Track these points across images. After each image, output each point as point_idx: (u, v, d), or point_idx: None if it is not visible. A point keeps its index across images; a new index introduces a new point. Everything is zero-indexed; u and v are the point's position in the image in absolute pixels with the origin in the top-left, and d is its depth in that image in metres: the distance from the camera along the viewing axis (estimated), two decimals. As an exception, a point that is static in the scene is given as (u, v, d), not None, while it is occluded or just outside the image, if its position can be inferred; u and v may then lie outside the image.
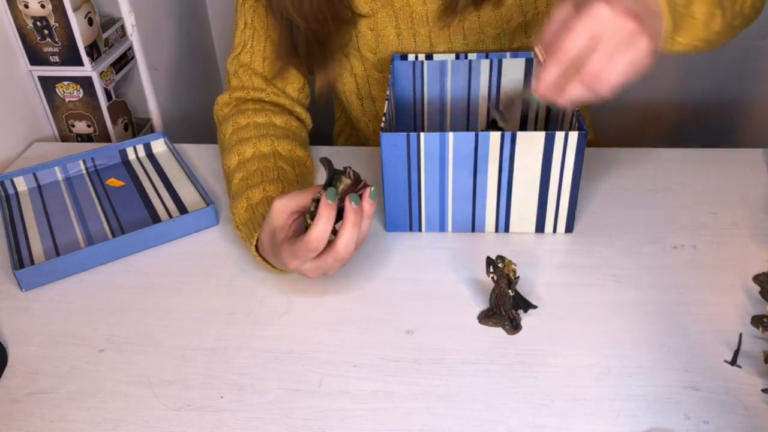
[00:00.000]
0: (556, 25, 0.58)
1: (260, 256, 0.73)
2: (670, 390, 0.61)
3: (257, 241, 0.73)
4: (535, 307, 0.69)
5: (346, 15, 0.88)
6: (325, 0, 0.83)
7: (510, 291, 0.66)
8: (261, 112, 0.89)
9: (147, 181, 0.93)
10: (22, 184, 0.93)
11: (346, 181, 0.63)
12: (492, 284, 0.67)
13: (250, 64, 0.92)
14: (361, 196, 0.64)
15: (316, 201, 0.64)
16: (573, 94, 0.57)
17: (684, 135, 1.62)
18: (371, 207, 0.64)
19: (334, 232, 0.64)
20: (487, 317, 0.69)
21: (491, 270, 0.66)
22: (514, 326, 0.68)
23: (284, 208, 0.66)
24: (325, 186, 0.64)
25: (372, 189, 0.64)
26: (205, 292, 0.75)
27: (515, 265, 0.66)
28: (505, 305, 0.67)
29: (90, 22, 1.05)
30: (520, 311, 0.69)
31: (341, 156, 0.94)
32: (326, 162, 0.64)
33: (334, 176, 0.64)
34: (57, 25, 1.01)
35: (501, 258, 0.66)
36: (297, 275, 0.76)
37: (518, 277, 0.67)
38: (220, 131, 0.91)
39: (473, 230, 0.80)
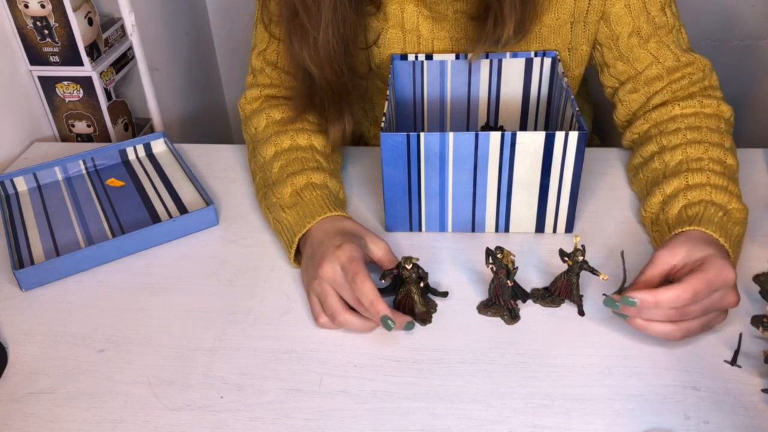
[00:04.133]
0: (661, 267, 0.64)
1: (297, 246, 0.75)
2: (670, 390, 0.61)
3: (307, 231, 0.74)
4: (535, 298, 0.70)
5: (363, 69, 0.88)
6: (342, 50, 0.82)
7: (508, 281, 0.66)
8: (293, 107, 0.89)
9: (147, 181, 0.93)
10: (22, 184, 0.93)
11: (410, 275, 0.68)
12: (491, 276, 0.68)
13: (277, 63, 0.91)
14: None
15: (394, 275, 0.69)
16: (657, 330, 0.62)
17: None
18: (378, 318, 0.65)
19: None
20: (486, 307, 0.70)
21: (490, 261, 0.66)
22: (512, 316, 0.68)
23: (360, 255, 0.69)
24: (398, 283, 0.70)
25: (409, 322, 0.66)
26: (205, 292, 0.75)
27: (514, 256, 0.66)
28: (504, 295, 0.68)
29: (90, 22, 1.05)
30: (519, 301, 0.69)
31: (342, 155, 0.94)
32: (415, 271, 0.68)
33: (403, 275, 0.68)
34: (57, 25, 1.01)
35: (500, 249, 0.66)
36: (298, 276, 0.76)
37: (516, 267, 0.67)
38: (250, 124, 0.90)
39: (473, 230, 0.80)
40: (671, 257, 0.65)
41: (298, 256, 0.76)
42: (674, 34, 0.84)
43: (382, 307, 0.64)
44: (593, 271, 0.67)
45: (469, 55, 0.86)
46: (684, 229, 0.68)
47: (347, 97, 0.85)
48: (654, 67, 0.83)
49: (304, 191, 0.78)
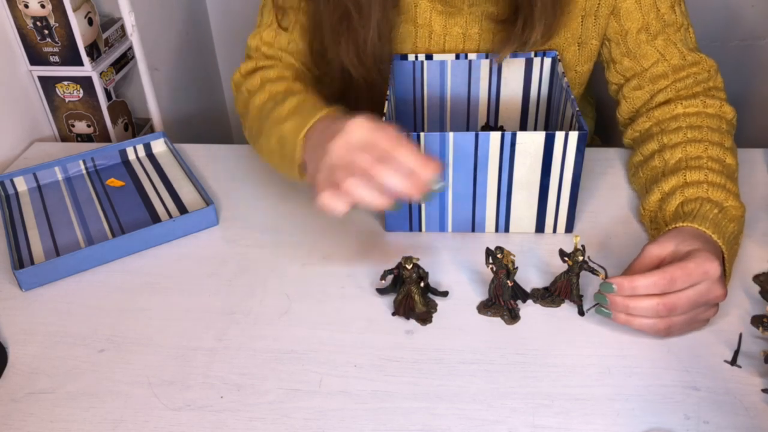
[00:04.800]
0: (649, 261, 0.65)
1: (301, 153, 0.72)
2: (670, 390, 0.61)
3: (310, 128, 0.72)
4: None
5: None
6: (388, 50, 0.83)
7: (508, 281, 0.67)
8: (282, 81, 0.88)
9: (147, 181, 0.93)
10: (22, 184, 0.93)
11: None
12: (491, 276, 0.68)
13: (273, 43, 0.90)
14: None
15: (394, 275, 0.70)
16: (640, 324, 0.63)
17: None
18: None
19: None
20: (486, 307, 0.70)
21: (490, 261, 0.66)
22: (512, 316, 0.68)
23: (369, 126, 0.64)
24: (398, 282, 0.70)
25: (432, 191, 0.63)
26: (205, 292, 0.75)
27: (514, 256, 0.66)
28: (504, 295, 0.68)
29: (90, 22, 1.05)
30: (519, 301, 0.69)
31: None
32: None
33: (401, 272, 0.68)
34: (57, 25, 1.01)
35: (500, 249, 0.66)
36: (298, 276, 0.76)
37: (516, 267, 0.67)
38: (243, 87, 0.89)
39: (473, 230, 0.80)
40: (660, 251, 0.65)
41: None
42: (682, 32, 0.84)
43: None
44: (593, 271, 0.67)
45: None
46: (677, 225, 0.68)
47: (381, 98, 0.86)
48: (660, 64, 0.84)
49: (304, 102, 0.78)
